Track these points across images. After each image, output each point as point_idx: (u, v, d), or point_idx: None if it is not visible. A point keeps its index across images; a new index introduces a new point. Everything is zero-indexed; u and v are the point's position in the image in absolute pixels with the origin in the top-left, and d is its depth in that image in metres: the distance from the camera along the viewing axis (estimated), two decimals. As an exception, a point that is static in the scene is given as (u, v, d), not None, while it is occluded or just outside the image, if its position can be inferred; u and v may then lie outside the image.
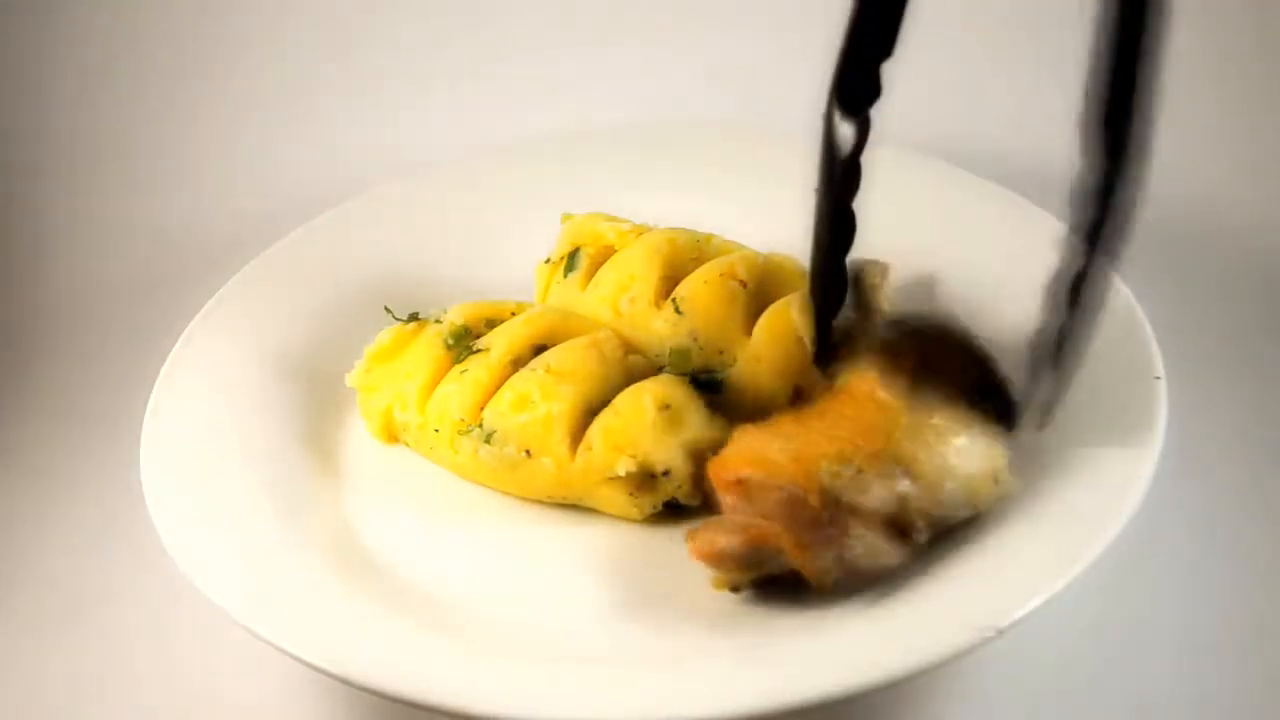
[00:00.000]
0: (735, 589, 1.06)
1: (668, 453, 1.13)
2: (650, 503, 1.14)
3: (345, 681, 1.00)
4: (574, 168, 1.45)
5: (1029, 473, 1.09)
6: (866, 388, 1.10)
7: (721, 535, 1.04)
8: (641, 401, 1.14)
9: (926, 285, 1.29)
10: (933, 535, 1.05)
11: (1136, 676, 1.06)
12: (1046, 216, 1.30)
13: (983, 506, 1.06)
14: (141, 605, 1.18)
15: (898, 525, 1.04)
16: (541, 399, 1.15)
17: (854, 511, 1.04)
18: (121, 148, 1.66)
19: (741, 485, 1.06)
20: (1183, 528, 1.15)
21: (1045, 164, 1.49)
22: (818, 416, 1.10)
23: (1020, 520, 1.06)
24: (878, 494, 1.04)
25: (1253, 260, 1.39)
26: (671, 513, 1.12)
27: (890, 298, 1.24)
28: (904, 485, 1.05)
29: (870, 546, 1.04)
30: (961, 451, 1.06)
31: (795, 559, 1.03)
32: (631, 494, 1.13)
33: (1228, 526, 1.16)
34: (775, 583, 1.06)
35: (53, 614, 1.19)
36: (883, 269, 1.25)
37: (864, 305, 1.23)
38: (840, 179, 1.05)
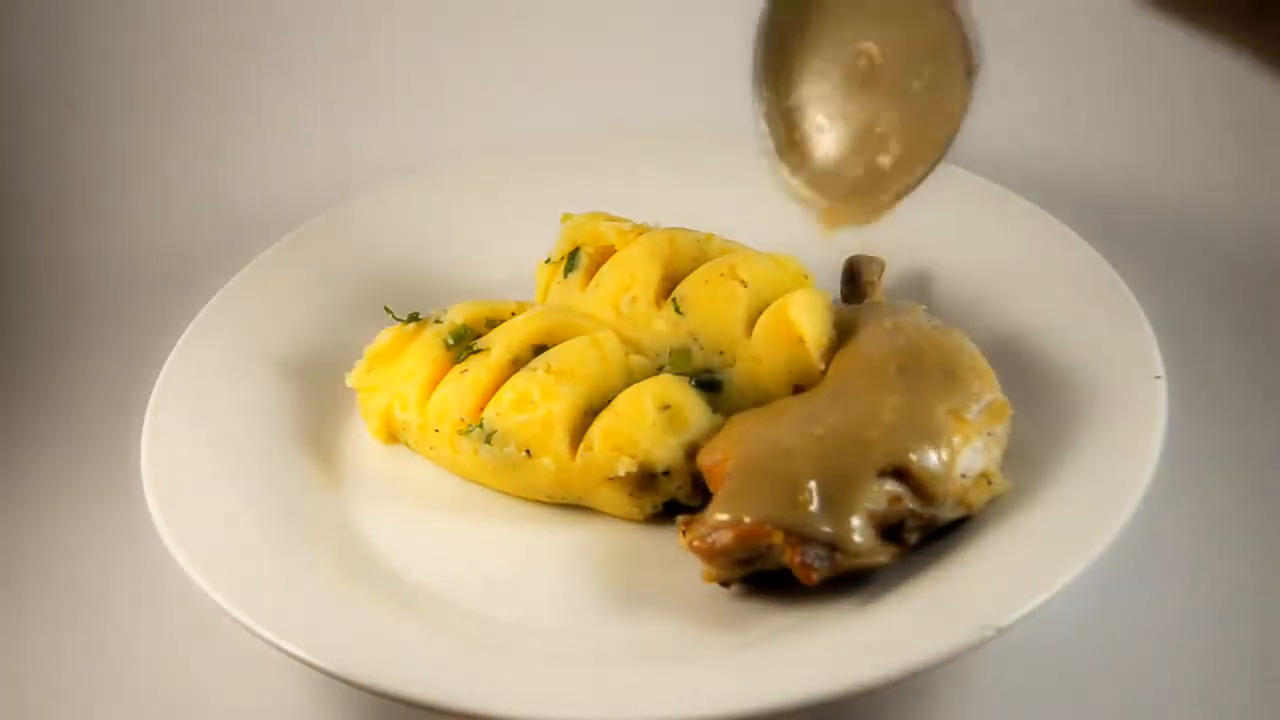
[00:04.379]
0: (725, 584, 1.07)
1: (668, 453, 1.13)
2: (650, 503, 1.14)
3: (345, 681, 1.00)
4: (574, 168, 1.45)
5: (1030, 472, 1.09)
6: (855, 378, 1.11)
7: (715, 531, 1.05)
8: (641, 401, 1.14)
9: (922, 282, 1.29)
10: (923, 535, 1.05)
11: (1136, 676, 1.06)
12: (1043, 214, 1.30)
13: (974, 507, 1.06)
14: (142, 604, 1.18)
15: (888, 524, 1.05)
16: (541, 399, 1.15)
17: None
18: (120, 147, 1.66)
19: None
20: (1183, 528, 1.15)
21: (1045, 164, 1.49)
22: (810, 402, 1.10)
23: (1020, 519, 1.06)
24: (868, 493, 1.04)
25: (1253, 260, 1.39)
26: (672, 512, 1.12)
27: (885, 293, 1.25)
28: (894, 485, 1.05)
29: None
30: (953, 451, 1.06)
31: (786, 556, 1.03)
32: (632, 494, 1.13)
33: (1228, 526, 1.16)
34: (764, 578, 1.06)
35: (52, 613, 1.19)
36: (879, 265, 1.25)
37: (860, 300, 1.23)
38: None
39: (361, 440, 1.24)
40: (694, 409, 1.15)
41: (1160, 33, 0.79)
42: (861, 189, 1.03)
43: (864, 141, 1.03)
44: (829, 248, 1.20)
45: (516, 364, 1.18)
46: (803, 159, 1.06)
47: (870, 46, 1.01)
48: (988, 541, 1.05)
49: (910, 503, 1.05)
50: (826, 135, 1.05)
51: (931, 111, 0.99)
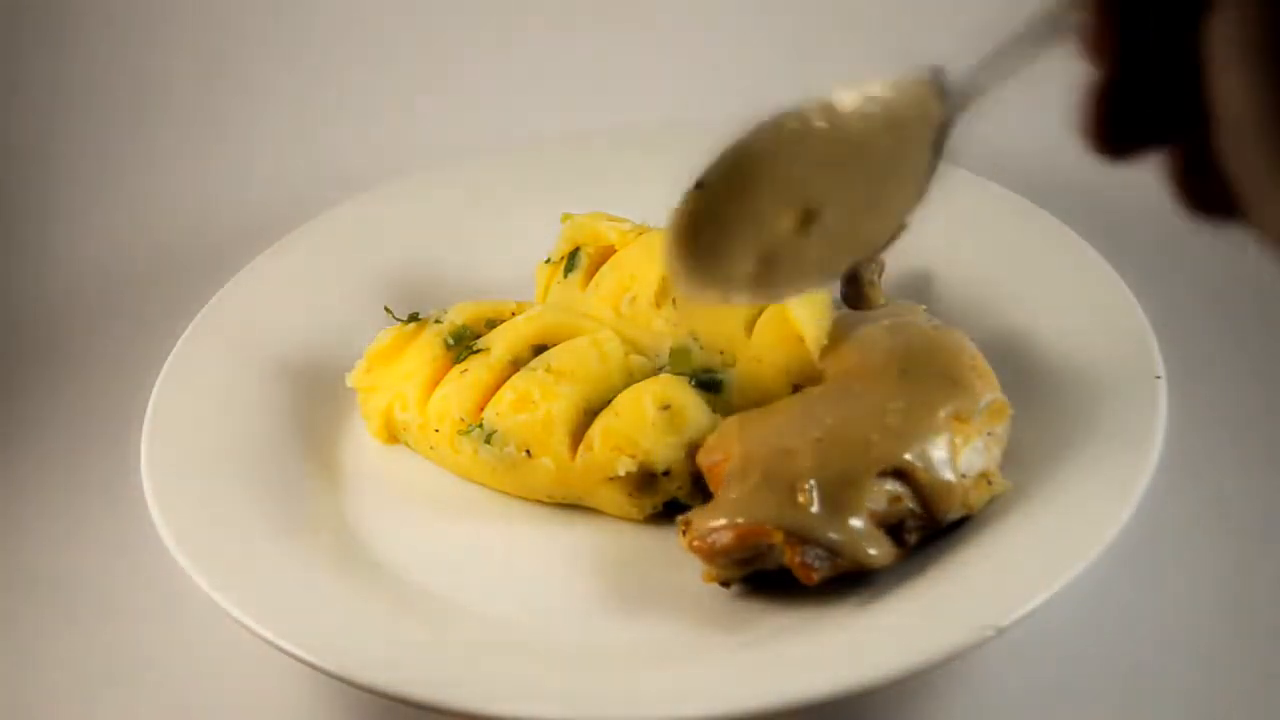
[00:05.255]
0: (726, 584, 1.07)
1: (668, 453, 1.13)
2: (650, 503, 1.14)
3: (345, 681, 1.00)
4: (574, 168, 1.44)
5: (1030, 472, 1.09)
6: (855, 378, 1.11)
7: (715, 531, 1.05)
8: (641, 401, 1.14)
9: (922, 282, 1.29)
10: (923, 536, 1.05)
11: (1136, 677, 1.06)
12: (1043, 214, 1.30)
13: (974, 507, 1.06)
14: (141, 604, 1.18)
15: (888, 524, 1.04)
16: (542, 399, 1.15)
17: None
18: (120, 146, 1.66)
19: None
20: (1183, 528, 1.15)
21: (1045, 164, 1.49)
22: (809, 401, 1.10)
23: (1020, 520, 1.06)
24: (869, 494, 1.04)
25: (1253, 260, 1.39)
26: (672, 512, 1.12)
27: (885, 293, 1.25)
28: (894, 485, 1.05)
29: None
30: (953, 452, 1.06)
31: (786, 556, 1.03)
32: (632, 494, 1.13)
33: (1228, 526, 1.15)
34: (764, 578, 1.06)
35: (52, 613, 1.19)
36: (879, 266, 1.25)
37: (860, 301, 1.23)
38: None
39: (361, 440, 1.24)
40: (694, 409, 1.15)
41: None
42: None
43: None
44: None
45: (516, 364, 1.18)
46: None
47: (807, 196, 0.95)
48: (988, 541, 1.05)
49: (910, 503, 1.05)
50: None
51: (867, 212, 0.94)
